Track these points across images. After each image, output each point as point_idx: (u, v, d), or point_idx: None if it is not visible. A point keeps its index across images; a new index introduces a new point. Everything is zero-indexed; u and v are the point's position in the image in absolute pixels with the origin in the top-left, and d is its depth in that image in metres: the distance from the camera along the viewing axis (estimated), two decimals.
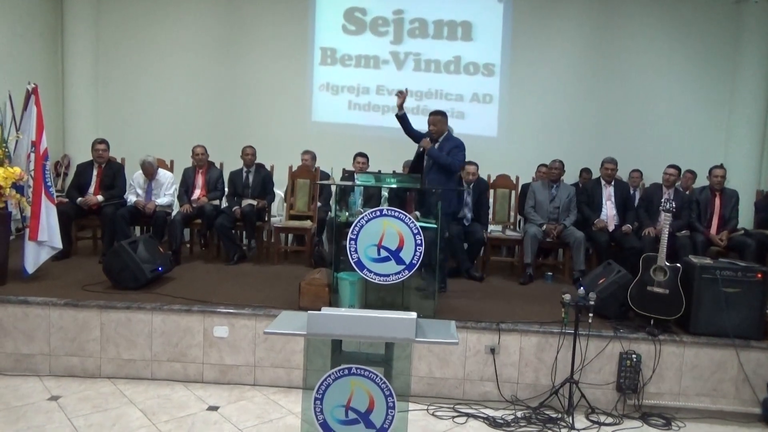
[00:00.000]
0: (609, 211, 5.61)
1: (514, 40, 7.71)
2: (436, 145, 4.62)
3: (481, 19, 7.74)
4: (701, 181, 6.41)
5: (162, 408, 3.60)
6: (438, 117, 4.65)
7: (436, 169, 4.58)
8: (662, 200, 4.18)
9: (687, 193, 6.02)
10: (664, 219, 4.01)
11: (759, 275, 3.91)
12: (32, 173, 4.52)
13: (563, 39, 7.71)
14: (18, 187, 4.47)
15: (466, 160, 4.93)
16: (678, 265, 3.97)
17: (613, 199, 5.64)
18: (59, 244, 4.67)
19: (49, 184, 4.58)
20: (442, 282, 4.64)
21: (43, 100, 4.73)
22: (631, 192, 6.03)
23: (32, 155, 4.53)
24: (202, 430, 3.33)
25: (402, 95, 4.67)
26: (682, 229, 5.40)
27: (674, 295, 3.90)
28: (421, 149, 4.61)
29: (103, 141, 5.73)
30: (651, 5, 7.59)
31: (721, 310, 3.85)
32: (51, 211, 4.57)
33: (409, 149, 6.74)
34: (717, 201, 5.46)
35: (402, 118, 4.74)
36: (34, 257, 4.53)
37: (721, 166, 5.55)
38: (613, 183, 5.69)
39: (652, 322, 3.95)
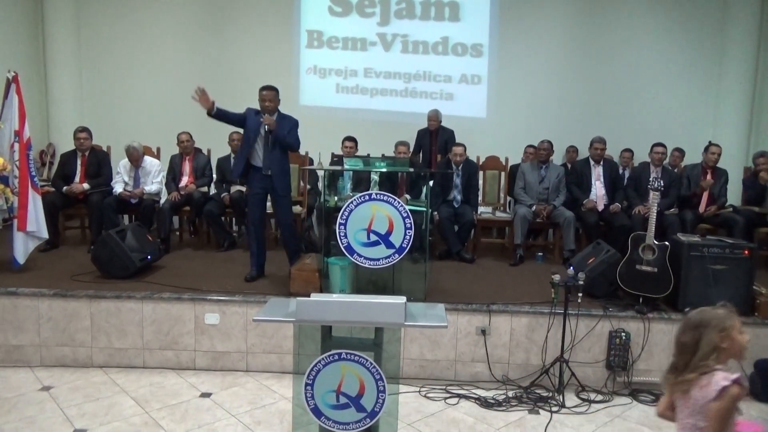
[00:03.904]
0: (598, 191, 5.61)
1: (501, 19, 7.64)
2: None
3: None
4: (689, 159, 6.44)
5: (155, 396, 3.60)
6: (273, 92, 4.46)
7: (280, 148, 4.42)
8: (650, 179, 4.18)
9: (675, 171, 6.04)
10: (653, 198, 4.03)
11: (746, 252, 3.94)
12: (17, 163, 4.47)
13: (551, 18, 7.65)
14: (2, 178, 4.42)
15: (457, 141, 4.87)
16: (666, 243, 3.99)
17: (602, 179, 5.64)
18: (45, 234, 4.68)
19: (33, 173, 4.55)
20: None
21: (25, 89, 4.66)
22: (621, 171, 6.03)
23: (16, 145, 4.48)
24: (195, 417, 3.34)
25: (203, 96, 4.36)
26: (671, 207, 5.43)
27: (663, 273, 3.92)
28: (267, 129, 4.38)
29: (84, 129, 5.64)
30: None
31: (709, 287, 3.88)
32: (37, 200, 4.56)
33: (398, 131, 6.75)
34: (708, 179, 5.48)
35: (217, 115, 4.38)
36: (23, 247, 4.51)
37: (717, 145, 5.56)
38: (602, 163, 5.68)
39: (641, 300, 3.99)
